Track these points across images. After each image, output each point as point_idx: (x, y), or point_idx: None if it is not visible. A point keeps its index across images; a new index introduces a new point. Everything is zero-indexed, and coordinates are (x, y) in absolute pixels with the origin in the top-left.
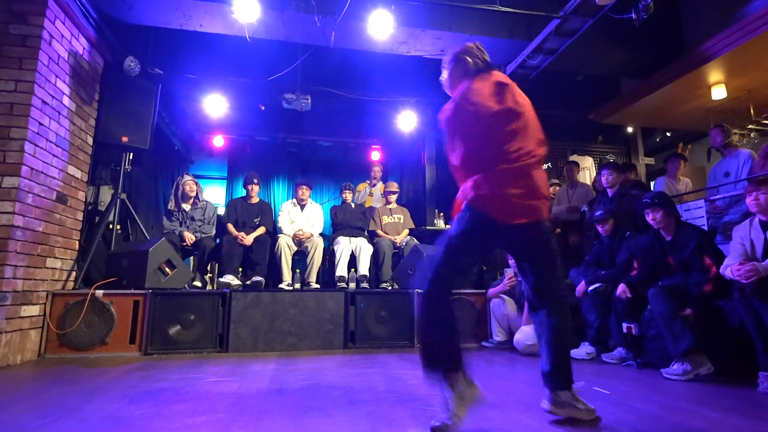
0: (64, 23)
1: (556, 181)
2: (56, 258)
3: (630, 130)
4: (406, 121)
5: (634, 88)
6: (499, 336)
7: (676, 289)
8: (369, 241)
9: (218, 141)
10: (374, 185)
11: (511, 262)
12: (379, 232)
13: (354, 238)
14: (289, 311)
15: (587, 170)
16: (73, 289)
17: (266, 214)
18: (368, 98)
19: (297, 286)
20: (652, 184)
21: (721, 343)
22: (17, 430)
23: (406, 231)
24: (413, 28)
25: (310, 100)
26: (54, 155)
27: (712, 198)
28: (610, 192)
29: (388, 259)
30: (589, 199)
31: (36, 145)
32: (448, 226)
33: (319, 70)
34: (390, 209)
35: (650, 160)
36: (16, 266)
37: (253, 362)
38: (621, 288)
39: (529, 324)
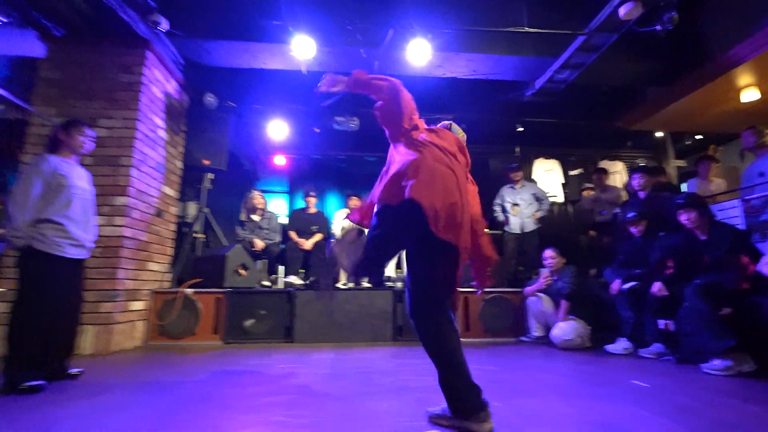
0: (159, 70)
1: (590, 185)
2: (155, 262)
3: (659, 134)
4: None
5: (660, 96)
6: (536, 332)
7: (713, 287)
8: None
9: (280, 160)
10: None
11: (546, 262)
12: None
13: None
14: (344, 307)
15: (618, 174)
16: (169, 288)
17: (322, 222)
18: None
19: (350, 285)
20: (684, 186)
21: (759, 339)
22: (133, 403)
23: None
24: (448, 52)
25: (357, 122)
26: (153, 177)
27: (747, 198)
28: (641, 194)
29: None
30: (620, 201)
31: (139, 170)
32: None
33: (364, 95)
34: None
35: (681, 163)
36: (126, 269)
37: (314, 351)
38: (657, 286)
39: (566, 320)
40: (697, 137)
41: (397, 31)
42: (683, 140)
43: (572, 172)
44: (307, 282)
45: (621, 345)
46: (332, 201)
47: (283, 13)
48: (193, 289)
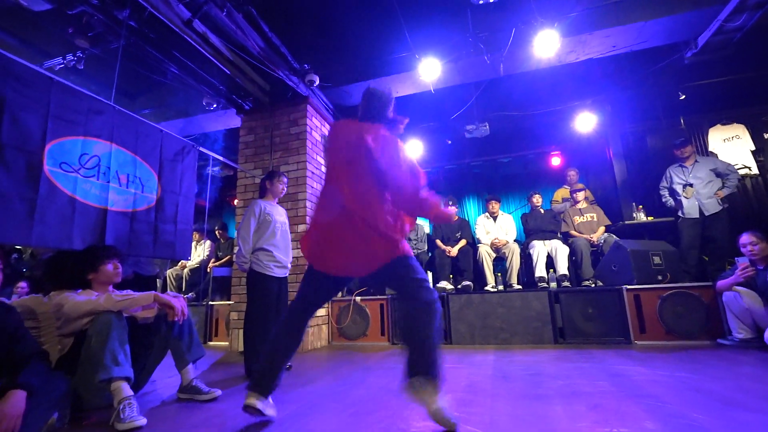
0: (316, 118)
1: None
2: None
3: None
4: (585, 122)
5: None
6: (741, 333)
7: None
8: (564, 242)
9: None
10: (576, 190)
11: (744, 249)
12: (573, 232)
13: (548, 241)
14: (498, 310)
15: None
16: (342, 297)
17: (465, 228)
18: (540, 111)
19: (500, 287)
20: None
21: None
22: (334, 392)
23: (602, 228)
24: (579, 35)
25: (488, 127)
26: None
27: None
28: None
29: (587, 257)
30: None
31: (311, 202)
32: (650, 219)
33: (491, 99)
34: (580, 209)
35: None
36: None
37: (473, 353)
38: None
39: None
40: None
41: (519, 29)
42: None
43: None
44: (458, 287)
45: None
46: (470, 207)
47: (409, 43)
48: (360, 297)
